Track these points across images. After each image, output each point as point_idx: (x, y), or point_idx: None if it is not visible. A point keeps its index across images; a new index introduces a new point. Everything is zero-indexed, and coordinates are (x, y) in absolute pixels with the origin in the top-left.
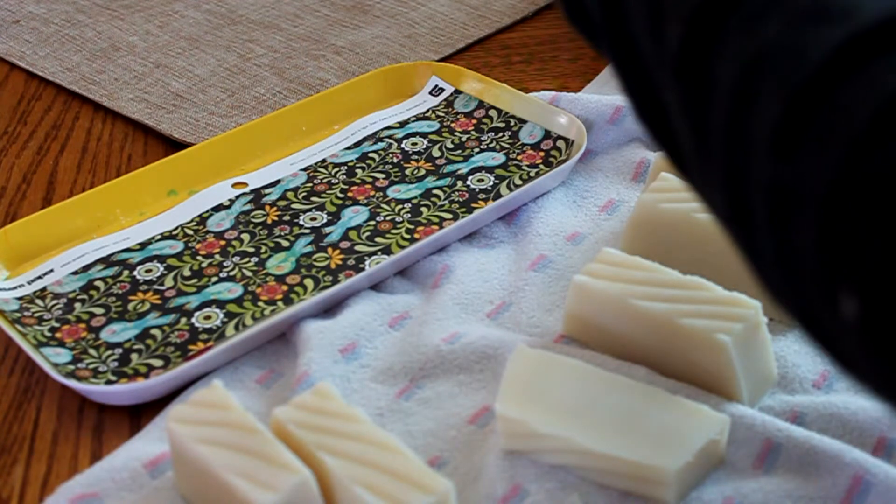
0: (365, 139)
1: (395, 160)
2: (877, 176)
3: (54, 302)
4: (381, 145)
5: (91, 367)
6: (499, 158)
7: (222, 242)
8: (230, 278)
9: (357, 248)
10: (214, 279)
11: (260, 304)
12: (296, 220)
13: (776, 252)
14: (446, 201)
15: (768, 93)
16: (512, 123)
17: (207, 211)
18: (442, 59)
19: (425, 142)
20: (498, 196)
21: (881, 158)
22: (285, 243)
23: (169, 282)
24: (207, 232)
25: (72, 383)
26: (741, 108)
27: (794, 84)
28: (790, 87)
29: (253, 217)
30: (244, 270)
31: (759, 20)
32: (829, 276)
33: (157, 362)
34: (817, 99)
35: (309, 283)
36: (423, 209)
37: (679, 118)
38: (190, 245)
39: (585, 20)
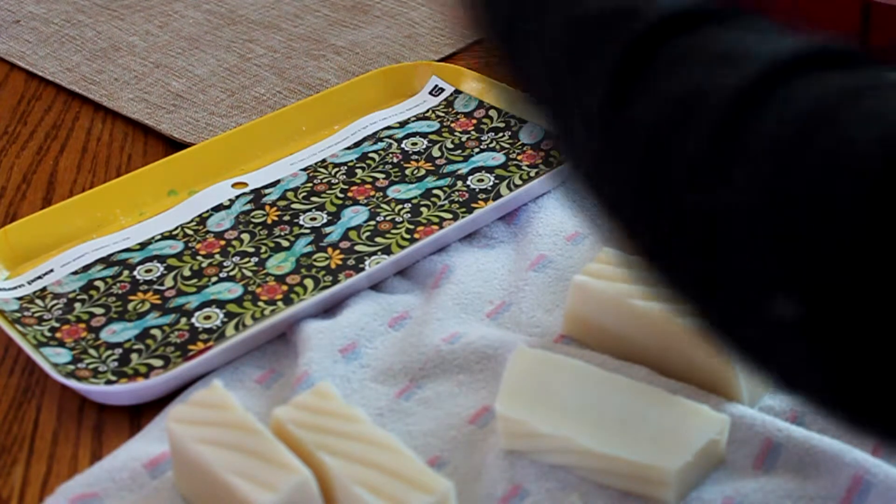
0: (365, 139)
1: (395, 160)
2: (808, 183)
3: (54, 302)
4: (381, 145)
5: (91, 367)
6: (499, 158)
7: (222, 242)
8: (230, 278)
9: (357, 248)
10: (214, 279)
11: (260, 304)
12: (296, 220)
13: (707, 274)
14: (446, 201)
15: (690, 130)
16: (512, 123)
17: (207, 211)
18: (442, 59)
19: (425, 142)
20: (498, 196)
21: (806, 164)
22: (285, 243)
23: (169, 282)
24: (207, 232)
25: (72, 383)
26: (665, 148)
27: (713, 119)
28: (709, 122)
29: (253, 217)
30: (244, 270)
31: (673, 70)
32: (767, 283)
33: (157, 362)
34: (738, 128)
35: (309, 283)
36: (423, 209)
37: (608, 165)
38: (190, 245)
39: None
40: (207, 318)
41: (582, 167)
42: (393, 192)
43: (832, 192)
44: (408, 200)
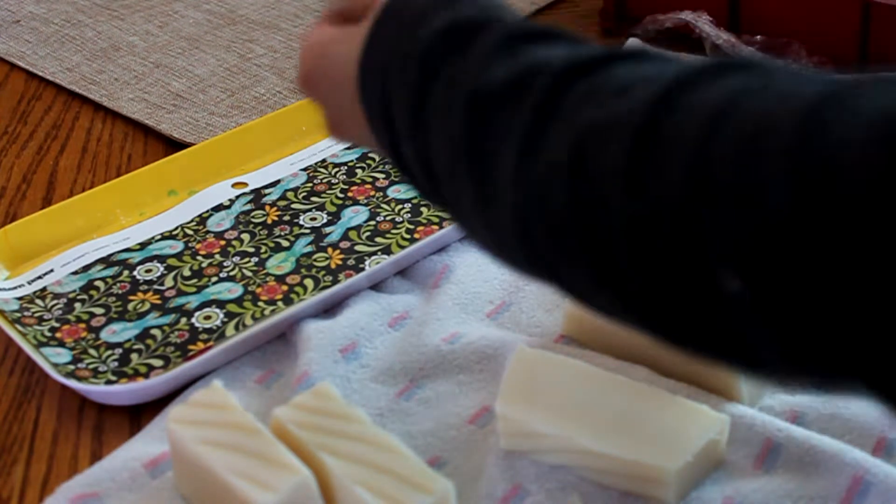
0: None
1: None
2: (724, 170)
3: (54, 302)
4: None
5: (91, 367)
6: None
7: (222, 242)
8: (230, 278)
9: (357, 248)
10: (214, 279)
11: (260, 304)
12: (296, 220)
13: (656, 275)
14: None
15: (602, 157)
16: None
17: (207, 211)
18: None
19: None
20: None
21: (727, 142)
22: (285, 243)
23: (169, 282)
24: (207, 232)
25: (72, 383)
26: (589, 169)
27: (629, 133)
28: (623, 142)
29: (253, 217)
30: (244, 270)
31: (582, 107)
32: (708, 265)
33: (157, 362)
34: (648, 142)
35: (309, 283)
36: (424, 209)
37: (529, 213)
38: (190, 245)
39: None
40: (207, 318)
41: (502, 234)
42: (393, 192)
43: (754, 165)
44: (408, 200)
